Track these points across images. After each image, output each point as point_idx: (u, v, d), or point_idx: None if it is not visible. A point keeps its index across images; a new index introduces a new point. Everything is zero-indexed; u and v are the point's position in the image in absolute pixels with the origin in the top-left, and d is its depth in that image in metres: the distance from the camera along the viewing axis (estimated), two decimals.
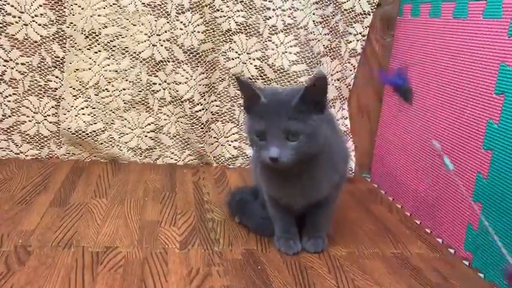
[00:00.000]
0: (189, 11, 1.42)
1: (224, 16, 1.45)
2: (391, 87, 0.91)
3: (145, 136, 1.52)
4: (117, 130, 1.49)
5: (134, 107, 1.49)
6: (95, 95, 1.44)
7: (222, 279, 0.90)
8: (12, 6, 1.36)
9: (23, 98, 1.44)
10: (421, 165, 1.27)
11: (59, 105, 1.46)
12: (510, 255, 0.61)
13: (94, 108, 1.45)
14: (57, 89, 1.46)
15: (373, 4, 1.47)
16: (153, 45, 1.44)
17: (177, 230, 1.08)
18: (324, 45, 1.48)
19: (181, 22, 1.42)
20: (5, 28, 1.38)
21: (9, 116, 1.44)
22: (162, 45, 1.44)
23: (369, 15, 1.48)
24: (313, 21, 1.46)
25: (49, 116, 1.47)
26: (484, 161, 1.02)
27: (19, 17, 1.38)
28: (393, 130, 1.45)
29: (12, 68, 1.41)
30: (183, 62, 1.46)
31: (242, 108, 0.97)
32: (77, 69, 1.41)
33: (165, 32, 1.43)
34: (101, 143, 1.47)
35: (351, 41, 1.50)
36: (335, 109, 1.54)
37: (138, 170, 1.46)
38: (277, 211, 1.05)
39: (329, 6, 1.46)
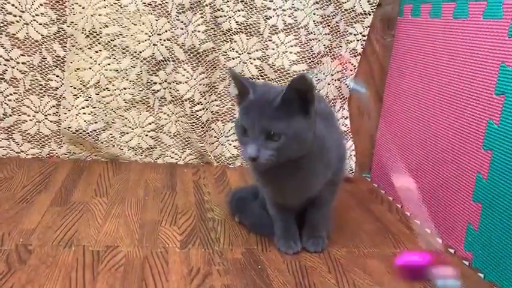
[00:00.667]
0: (189, 10, 1.42)
1: (225, 16, 1.45)
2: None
3: (146, 135, 1.52)
4: (117, 129, 1.49)
5: (135, 107, 1.49)
6: (96, 94, 1.44)
7: (223, 279, 0.90)
8: (13, 5, 1.37)
9: (24, 97, 1.44)
10: (421, 165, 1.28)
11: (59, 105, 1.46)
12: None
13: (95, 107, 1.45)
14: (57, 88, 1.46)
15: (374, 4, 1.47)
16: (153, 44, 1.44)
17: (177, 230, 1.08)
18: (324, 45, 1.48)
19: (181, 22, 1.43)
20: (5, 27, 1.38)
21: (10, 115, 1.44)
22: (162, 45, 1.44)
23: (369, 15, 1.48)
24: (314, 21, 1.47)
25: (50, 115, 1.47)
26: (484, 161, 1.02)
27: (20, 16, 1.38)
28: (393, 130, 1.45)
29: (13, 67, 1.41)
30: (183, 61, 1.46)
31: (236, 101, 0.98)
32: (77, 69, 1.41)
33: (166, 31, 1.43)
34: (102, 142, 1.47)
35: (351, 41, 1.50)
36: (335, 109, 1.54)
37: (139, 169, 1.46)
38: (278, 211, 1.06)
39: (329, 6, 1.46)
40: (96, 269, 0.89)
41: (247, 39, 1.48)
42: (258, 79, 1.50)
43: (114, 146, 1.49)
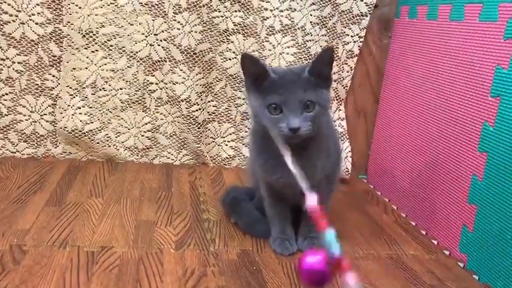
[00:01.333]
0: (186, 10, 1.41)
1: (221, 16, 1.45)
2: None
3: (142, 136, 1.52)
4: (113, 129, 1.49)
5: (131, 107, 1.49)
6: (92, 94, 1.44)
7: (217, 280, 0.90)
8: (9, 4, 1.36)
9: (20, 97, 1.44)
10: (417, 167, 1.28)
11: (55, 104, 1.46)
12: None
13: (91, 107, 1.45)
14: (54, 88, 1.45)
15: (371, 6, 1.47)
16: (150, 44, 1.44)
17: (172, 230, 1.08)
18: (321, 46, 1.48)
19: (178, 22, 1.42)
20: (1, 27, 1.37)
21: (6, 115, 1.44)
22: (159, 45, 1.44)
23: (366, 16, 1.48)
24: (311, 22, 1.47)
25: (46, 115, 1.47)
26: (479, 163, 1.03)
27: (16, 16, 1.38)
28: (389, 131, 1.45)
29: (9, 67, 1.41)
30: (180, 61, 1.46)
31: (245, 88, 1.00)
32: (73, 69, 1.41)
33: (162, 31, 1.43)
34: (98, 142, 1.47)
35: (348, 42, 1.50)
36: (331, 110, 1.54)
37: (135, 170, 1.46)
38: (275, 210, 1.06)
39: (326, 8, 1.46)
40: (91, 270, 0.89)
41: (244, 39, 1.48)
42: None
43: (110, 146, 1.49)
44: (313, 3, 1.45)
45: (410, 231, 1.20)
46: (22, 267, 0.88)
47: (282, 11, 1.47)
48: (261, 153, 1.01)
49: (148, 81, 1.47)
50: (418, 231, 1.21)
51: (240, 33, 1.47)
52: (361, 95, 1.56)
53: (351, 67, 1.52)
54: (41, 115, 1.46)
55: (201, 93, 1.49)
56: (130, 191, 1.29)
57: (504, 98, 0.97)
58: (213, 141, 1.57)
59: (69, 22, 1.38)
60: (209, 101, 1.53)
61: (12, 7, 1.37)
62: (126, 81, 1.46)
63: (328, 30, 1.48)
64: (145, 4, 1.41)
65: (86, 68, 1.42)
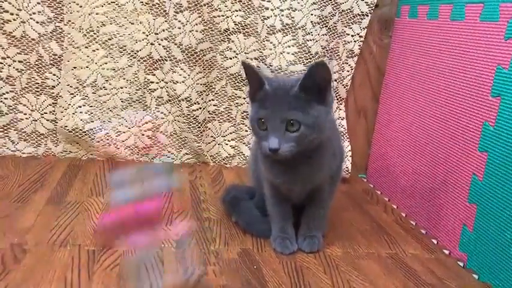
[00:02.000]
0: (187, 10, 1.41)
1: (222, 15, 1.45)
2: None
3: (143, 135, 1.52)
4: (114, 128, 1.49)
5: (131, 106, 1.49)
6: (93, 93, 1.44)
7: (218, 279, 0.90)
8: (9, 3, 1.36)
9: (20, 96, 1.44)
10: (417, 166, 1.28)
11: (56, 103, 1.46)
12: None
13: (91, 106, 1.45)
14: (54, 86, 1.45)
15: (371, 5, 1.47)
16: (151, 43, 1.44)
17: (173, 229, 1.08)
18: (321, 46, 1.48)
19: (179, 21, 1.42)
20: (2, 25, 1.37)
21: (6, 114, 1.44)
22: (160, 44, 1.44)
23: (367, 16, 1.48)
24: (311, 21, 1.47)
25: (46, 113, 1.47)
26: (479, 162, 1.03)
27: (17, 15, 1.38)
28: (390, 131, 1.45)
29: (10, 66, 1.41)
30: (180, 61, 1.46)
31: (248, 96, 0.96)
32: (74, 67, 1.41)
33: (163, 30, 1.43)
34: (98, 141, 1.47)
35: (348, 42, 1.50)
36: (332, 109, 1.54)
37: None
38: (277, 209, 1.06)
39: (327, 7, 1.46)
40: (92, 269, 0.89)
41: (245, 39, 1.48)
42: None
43: (110, 145, 1.49)
44: (314, 3, 1.45)
45: (410, 231, 1.20)
46: (23, 266, 0.88)
47: (282, 10, 1.47)
48: (266, 157, 1.01)
49: (148, 80, 1.48)
50: (418, 231, 1.21)
51: (240, 32, 1.48)
52: (362, 95, 1.56)
53: (352, 66, 1.52)
54: (42, 114, 1.46)
55: (201, 92, 1.49)
56: None
57: (505, 98, 0.97)
58: (214, 140, 1.57)
59: (70, 21, 1.38)
60: (210, 100, 1.53)
61: (13, 6, 1.37)
62: (127, 80, 1.46)
63: (329, 30, 1.48)
64: (146, 3, 1.41)
65: (87, 67, 1.42)
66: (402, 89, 1.39)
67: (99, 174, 1.38)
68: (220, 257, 0.99)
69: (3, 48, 1.39)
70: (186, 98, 1.47)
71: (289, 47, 1.49)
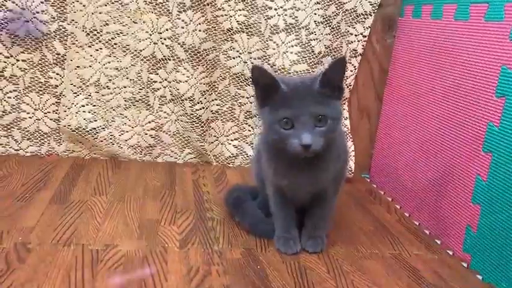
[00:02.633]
0: (190, 9, 1.41)
1: (226, 15, 1.45)
2: None
3: (146, 134, 1.52)
4: (117, 128, 1.49)
5: (135, 105, 1.49)
6: (96, 92, 1.44)
7: (222, 279, 0.90)
8: (13, 2, 1.36)
9: (24, 95, 1.44)
10: (420, 166, 1.28)
11: (59, 102, 1.46)
12: None
13: (94, 105, 1.45)
14: (57, 86, 1.45)
15: (375, 5, 1.47)
16: (154, 43, 1.44)
17: (176, 229, 1.08)
18: (325, 45, 1.48)
19: (182, 20, 1.42)
20: (6, 24, 1.37)
21: (10, 113, 1.44)
22: (163, 44, 1.44)
23: (370, 15, 1.48)
24: (315, 21, 1.46)
25: (49, 112, 1.47)
26: (483, 163, 1.03)
27: (20, 14, 1.38)
28: (393, 131, 1.45)
29: (13, 65, 1.41)
30: (184, 60, 1.46)
31: (255, 100, 0.96)
32: (77, 67, 1.41)
33: (167, 30, 1.43)
34: (101, 141, 1.47)
35: (352, 42, 1.50)
36: None
37: (138, 168, 1.46)
38: (281, 209, 1.06)
39: (331, 7, 1.46)
40: (95, 268, 0.89)
41: (248, 38, 1.48)
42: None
43: (113, 144, 1.49)
44: (318, 2, 1.45)
45: (414, 231, 1.20)
46: (27, 266, 0.88)
47: (286, 9, 1.46)
48: (271, 158, 1.01)
49: (152, 79, 1.48)
50: (421, 231, 1.21)
51: (244, 32, 1.47)
52: (365, 94, 1.56)
53: (355, 66, 1.52)
54: (45, 113, 1.46)
55: (204, 91, 1.49)
56: (134, 189, 1.29)
57: (509, 98, 0.96)
58: (217, 140, 1.57)
59: (73, 20, 1.38)
60: (213, 100, 1.53)
61: (17, 5, 1.36)
62: (130, 80, 1.46)
63: (332, 29, 1.48)
64: (150, 2, 1.41)
65: (90, 66, 1.42)
66: (405, 89, 1.39)
67: (102, 173, 1.38)
68: (224, 256, 0.99)
69: (6, 47, 1.39)
70: (189, 98, 1.47)
71: (292, 46, 1.48)
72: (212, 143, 1.56)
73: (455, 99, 1.15)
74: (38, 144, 1.48)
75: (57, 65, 1.44)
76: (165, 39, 1.44)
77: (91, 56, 1.41)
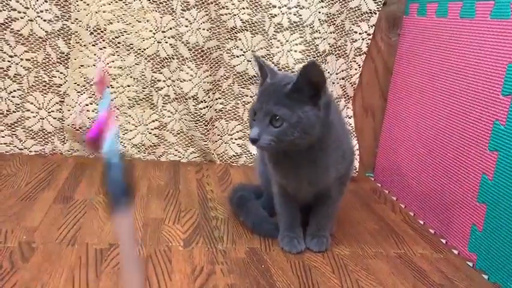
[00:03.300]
0: (194, 8, 1.41)
1: (229, 13, 1.45)
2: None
3: (149, 133, 1.52)
4: (121, 127, 1.49)
5: (138, 104, 1.49)
6: None
7: (226, 278, 0.90)
8: (17, 1, 1.36)
9: (28, 94, 1.44)
10: (425, 165, 1.27)
11: (63, 101, 1.46)
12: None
13: (98, 104, 1.45)
14: (61, 85, 1.45)
15: (379, 3, 1.46)
16: (158, 42, 1.43)
17: (180, 228, 1.08)
18: (329, 44, 1.47)
19: (186, 19, 1.42)
20: (10, 24, 1.38)
21: (14, 112, 1.44)
22: (167, 42, 1.44)
23: (375, 14, 1.47)
24: (319, 19, 1.46)
25: (53, 112, 1.47)
26: (489, 162, 1.02)
27: (24, 13, 1.38)
28: (397, 129, 1.44)
29: (17, 64, 1.41)
30: (187, 59, 1.45)
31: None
32: (81, 65, 1.41)
33: (170, 28, 1.43)
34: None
35: (356, 40, 1.50)
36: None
37: (142, 167, 1.46)
38: (285, 208, 1.05)
39: (335, 5, 1.45)
40: (100, 267, 0.89)
41: (252, 37, 1.48)
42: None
43: (117, 143, 1.49)
44: (322, 1, 1.44)
45: (419, 230, 1.20)
46: (31, 265, 0.88)
47: (290, 8, 1.46)
48: (273, 156, 1.00)
49: (155, 78, 1.47)
50: (426, 230, 1.20)
51: (247, 30, 1.47)
52: (369, 93, 1.56)
53: (359, 65, 1.51)
54: (49, 112, 1.47)
55: (208, 90, 1.48)
56: (138, 188, 1.29)
57: None
58: (220, 139, 1.57)
59: (77, 19, 1.38)
60: (216, 99, 1.52)
61: (21, 4, 1.37)
62: (134, 79, 1.46)
63: (337, 28, 1.47)
64: (154, 1, 1.41)
65: (94, 65, 1.42)
66: (410, 88, 1.38)
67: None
68: (228, 256, 0.98)
69: (10, 46, 1.39)
70: (193, 97, 1.47)
71: (296, 45, 1.48)
72: (216, 142, 1.56)
73: (460, 97, 1.14)
74: (42, 143, 1.48)
75: (61, 64, 1.44)
76: (168, 37, 1.44)
77: (95, 55, 1.41)
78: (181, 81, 1.46)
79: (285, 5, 1.46)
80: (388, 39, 1.51)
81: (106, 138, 0.57)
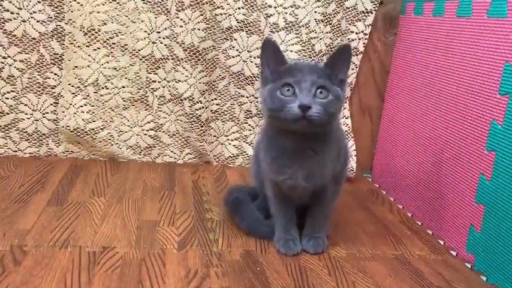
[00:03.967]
0: (189, 8, 1.40)
1: (225, 13, 1.44)
2: None
3: (145, 134, 1.50)
4: (116, 128, 1.48)
5: (133, 105, 1.48)
6: (94, 92, 1.43)
7: (221, 281, 0.89)
8: (10, 2, 1.35)
9: (21, 95, 1.43)
10: (423, 166, 1.26)
11: (57, 103, 1.45)
12: None
13: (93, 106, 1.44)
14: (55, 86, 1.44)
15: (376, 2, 1.46)
16: (152, 42, 1.42)
17: (175, 230, 1.07)
18: (325, 44, 1.46)
19: (181, 19, 1.41)
20: (3, 24, 1.36)
21: (7, 113, 1.43)
22: (161, 43, 1.43)
23: (371, 13, 1.46)
24: (315, 19, 1.45)
25: (47, 113, 1.46)
26: (487, 162, 1.01)
27: (17, 14, 1.36)
28: (395, 130, 1.43)
29: (11, 65, 1.40)
30: (183, 59, 1.44)
31: (260, 79, 1.00)
32: (75, 67, 1.40)
33: (165, 29, 1.42)
34: (100, 141, 1.46)
35: (352, 40, 1.49)
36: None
37: (137, 169, 1.44)
38: (280, 210, 1.04)
39: (331, 4, 1.44)
40: (92, 271, 0.88)
41: (248, 37, 1.47)
42: (258, 78, 1.49)
43: (112, 144, 1.48)
44: (318, 0, 1.43)
45: (416, 231, 1.19)
46: (23, 268, 0.87)
47: (285, 8, 1.45)
48: (270, 151, 0.99)
49: (150, 79, 1.46)
50: (424, 231, 1.19)
51: (243, 30, 1.46)
52: (366, 93, 1.55)
53: (356, 64, 1.50)
54: (43, 114, 1.45)
55: (204, 91, 1.47)
56: (133, 190, 1.28)
57: None
58: (216, 140, 1.55)
59: (70, 20, 1.37)
60: (212, 99, 1.51)
61: (14, 5, 1.35)
62: (129, 80, 1.45)
63: (333, 27, 1.46)
64: (148, 1, 1.39)
65: (88, 66, 1.41)
66: (408, 87, 1.37)
67: (101, 174, 1.37)
68: (223, 258, 0.97)
69: (4, 47, 1.38)
70: (188, 97, 1.46)
71: (292, 45, 1.47)
72: (212, 143, 1.55)
73: (458, 97, 1.13)
74: (36, 145, 1.47)
75: (55, 65, 1.42)
76: (163, 38, 1.42)
77: (89, 56, 1.40)
78: (176, 82, 1.45)
79: (281, 5, 1.45)
80: (384, 39, 1.50)
81: None
